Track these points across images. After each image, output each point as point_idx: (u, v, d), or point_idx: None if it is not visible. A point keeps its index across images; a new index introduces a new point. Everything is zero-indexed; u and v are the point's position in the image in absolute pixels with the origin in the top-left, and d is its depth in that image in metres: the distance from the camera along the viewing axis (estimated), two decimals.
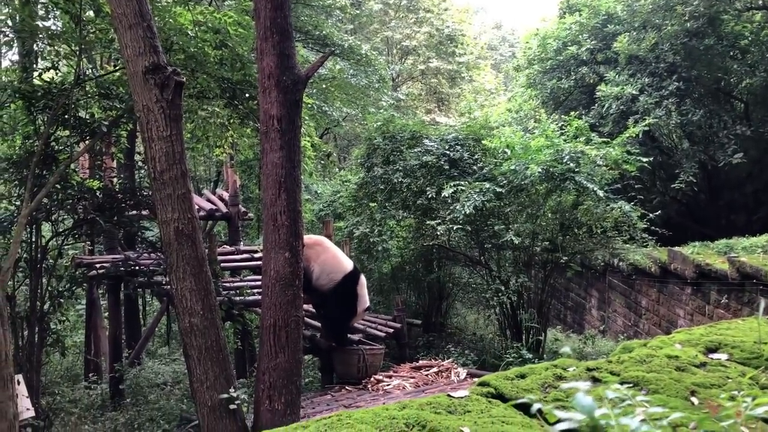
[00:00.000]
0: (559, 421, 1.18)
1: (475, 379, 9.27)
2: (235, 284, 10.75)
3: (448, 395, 2.27)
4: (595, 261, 15.82)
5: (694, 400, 2.15)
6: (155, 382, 12.41)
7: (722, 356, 2.58)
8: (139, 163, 10.57)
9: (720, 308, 14.46)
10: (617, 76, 18.93)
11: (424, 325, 14.58)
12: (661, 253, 16.20)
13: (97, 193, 8.56)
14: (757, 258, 13.71)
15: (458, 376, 11.48)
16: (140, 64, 5.19)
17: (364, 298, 9.81)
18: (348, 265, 9.99)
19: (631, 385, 2.30)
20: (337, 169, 23.40)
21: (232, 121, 9.85)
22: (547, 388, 2.30)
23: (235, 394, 5.36)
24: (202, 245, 5.50)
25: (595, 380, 2.37)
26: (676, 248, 15.95)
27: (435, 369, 11.96)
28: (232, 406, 5.34)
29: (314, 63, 6.07)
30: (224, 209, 13.59)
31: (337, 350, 11.50)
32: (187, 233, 5.34)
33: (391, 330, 12.13)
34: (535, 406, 1.24)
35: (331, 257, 9.87)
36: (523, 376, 2.42)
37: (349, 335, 10.34)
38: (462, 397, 2.25)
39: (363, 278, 10.13)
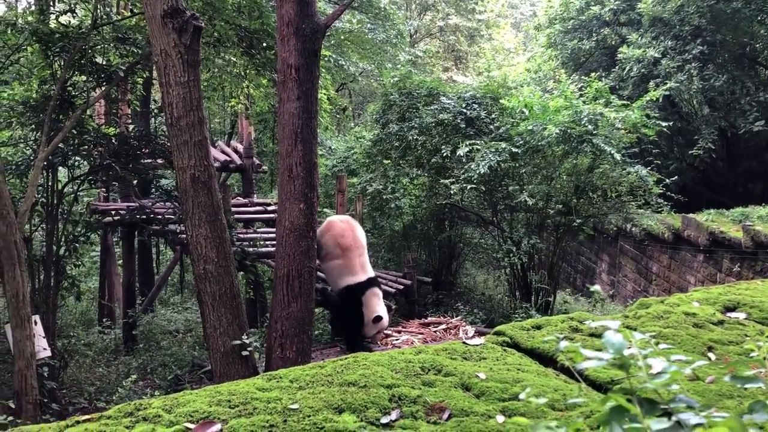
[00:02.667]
0: (586, 359, 1.18)
1: (484, 337, 9.29)
2: (249, 236, 10.80)
3: (464, 342, 2.28)
4: (608, 225, 15.75)
5: (711, 355, 2.14)
6: (167, 329, 12.62)
7: (740, 315, 2.57)
8: (155, 111, 10.52)
9: (732, 276, 14.41)
10: (640, 38, 18.53)
11: (433, 283, 14.65)
12: (674, 219, 16.10)
13: (113, 140, 8.55)
14: None
15: (466, 334, 11.59)
16: (159, 8, 5.12)
17: (372, 309, 8.88)
18: (359, 276, 9.01)
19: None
20: (352, 125, 23.23)
21: (248, 71, 9.75)
22: (563, 339, 2.30)
23: (247, 341, 5.42)
24: (217, 193, 5.51)
25: None
26: (690, 215, 15.84)
27: (443, 326, 12.06)
28: (244, 353, 5.42)
29: (334, 12, 5.98)
30: (238, 161, 13.58)
31: None
32: (203, 180, 5.34)
33: (401, 287, 12.21)
34: (562, 344, 1.23)
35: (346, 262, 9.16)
36: (539, 327, 2.43)
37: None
38: (477, 345, 2.25)
39: (374, 290, 9.13)
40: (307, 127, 5.64)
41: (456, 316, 12.47)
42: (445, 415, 1.74)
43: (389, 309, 9.87)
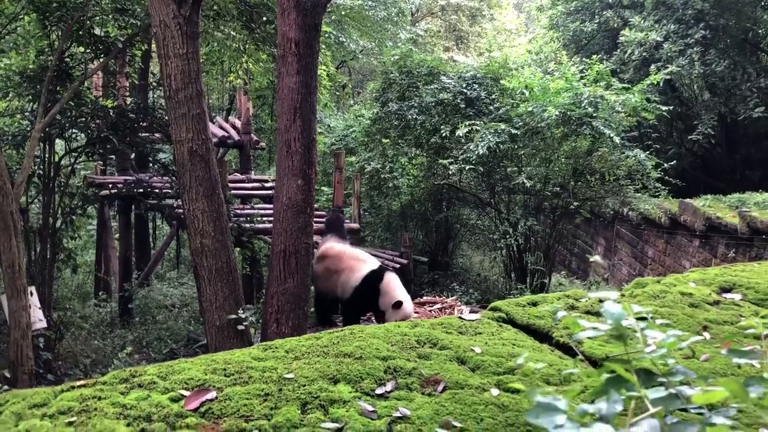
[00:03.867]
0: (584, 330, 1.18)
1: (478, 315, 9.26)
2: (246, 211, 10.79)
3: (460, 317, 2.28)
4: (604, 209, 15.74)
5: (706, 334, 2.15)
6: (163, 303, 12.64)
7: (736, 296, 2.58)
8: (153, 84, 10.44)
9: (727, 262, 14.44)
10: (642, 21, 18.41)
11: (430, 263, 14.68)
12: (671, 204, 16.11)
13: (111, 112, 8.50)
14: None
15: (461, 313, 11.65)
16: None
17: (391, 295, 8.63)
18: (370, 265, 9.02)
19: (643, 318, 2.30)
20: (351, 102, 23.11)
21: (247, 45, 9.67)
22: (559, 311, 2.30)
23: (243, 316, 5.43)
24: (215, 167, 5.49)
25: None
26: (688, 200, 15.85)
27: (438, 305, 12.09)
28: (240, 327, 5.44)
29: None
30: (236, 137, 13.51)
31: None
32: (201, 154, 5.32)
33: (398, 265, 12.22)
34: (560, 314, 1.23)
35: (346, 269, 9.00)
36: (534, 304, 2.43)
37: None
38: (473, 320, 2.26)
39: (391, 274, 9.02)
40: (306, 102, 5.60)
41: (452, 296, 12.51)
42: (440, 387, 1.75)
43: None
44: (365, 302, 8.94)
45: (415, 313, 10.60)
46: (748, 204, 14.81)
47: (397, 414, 1.62)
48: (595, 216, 18.49)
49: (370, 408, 1.65)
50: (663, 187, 12.98)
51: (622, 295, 2.53)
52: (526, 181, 11.83)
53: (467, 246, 18.34)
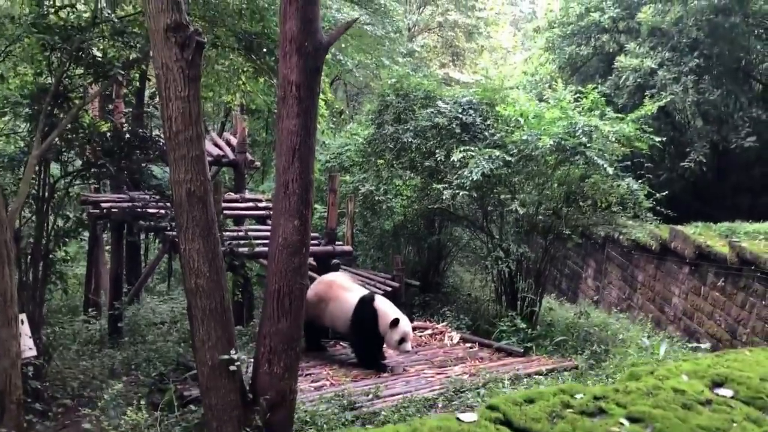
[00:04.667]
0: None
1: (468, 344, 9.27)
2: (239, 234, 10.79)
3: (458, 419, 2.31)
4: (596, 234, 15.85)
5: None
6: (153, 321, 12.60)
7: (728, 392, 2.62)
8: (150, 107, 10.44)
9: (716, 290, 14.58)
10: (638, 48, 18.61)
11: (421, 285, 14.72)
12: (662, 230, 16.23)
13: (107, 135, 8.50)
14: (758, 245, 13.74)
15: (451, 340, 11.67)
16: (162, 21, 5.07)
17: (386, 316, 9.31)
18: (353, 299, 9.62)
19: (636, 420, 2.34)
20: (348, 126, 23.22)
21: (246, 69, 9.70)
22: (554, 417, 2.34)
23: (235, 356, 5.44)
24: (212, 207, 5.49)
25: (602, 410, 2.42)
26: (678, 227, 15.98)
27: (429, 331, 12.14)
28: (232, 368, 5.44)
29: (337, 29, 5.96)
30: (231, 155, 13.53)
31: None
32: (199, 195, 5.32)
33: (389, 288, 12.27)
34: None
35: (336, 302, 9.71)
36: (531, 401, 2.46)
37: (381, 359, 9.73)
38: (471, 422, 2.29)
39: (381, 297, 9.79)
40: (305, 145, 5.63)
41: (442, 321, 12.55)
42: None
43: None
44: (367, 331, 9.25)
45: None
46: (738, 233, 14.94)
47: None
48: (586, 238, 18.60)
49: None
50: (655, 217, 13.08)
51: (616, 390, 2.56)
52: (519, 208, 11.89)
53: (458, 264, 18.40)
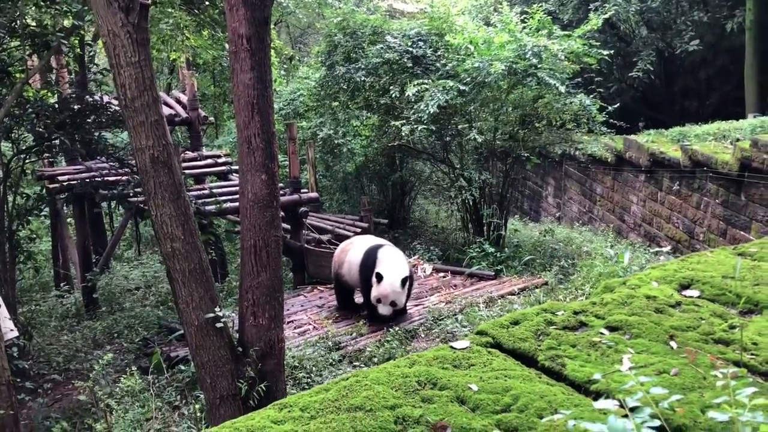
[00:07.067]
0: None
1: (440, 274, 9.42)
2: (204, 192, 10.74)
3: (451, 347, 2.47)
4: (553, 152, 16.18)
5: (673, 344, 2.39)
6: (127, 287, 12.59)
7: (694, 293, 2.83)
8: (93, 70, 10.11)
9: (671, 195, 15.07)
10: None
11: (389, 222, 14.90)
12: (616, 141, 16.58)
13: (56, 106, 8.28)
14: (708, 146, 14.14)
15: (424, 272, 11.98)
16: None
17: (377, 266, 8.78)
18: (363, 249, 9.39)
19: (615, 329, 2.53)
20: (299, 71, 22.80)
21: (187, 24, 9.45)
22: (540, 335, 2.51)
23: (220, 313, 5.55)
24: (178, 171, 5.48)
25: (582, 324, 2.60)
26: (632, 136, 16.33)
27: None
28: (218, 325, 5.55)
29: None
30: (183, 113, 13.27)
31: (309, 251, 11.78)
32: (163, 160, 5.30)
33: (359, 230, 12.43)
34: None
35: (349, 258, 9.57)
36: (516, 323, 2.63)
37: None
38: (464, 349, 2.45)
39: (381, 253, 9.08)
40: (263, 98, 5.61)
41: (414, 255, 12.82)
42: None
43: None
44: (365, 281, 9.05)
45: None
46: (689, 137, 15.33)
47: None
48: (544, 157, 18.92)
49: None
50: (609, 130, 13.36)
51: (593, 303, 2.75)
52: (477, 136, 12.03)
53: (423, 198, 18.62)
